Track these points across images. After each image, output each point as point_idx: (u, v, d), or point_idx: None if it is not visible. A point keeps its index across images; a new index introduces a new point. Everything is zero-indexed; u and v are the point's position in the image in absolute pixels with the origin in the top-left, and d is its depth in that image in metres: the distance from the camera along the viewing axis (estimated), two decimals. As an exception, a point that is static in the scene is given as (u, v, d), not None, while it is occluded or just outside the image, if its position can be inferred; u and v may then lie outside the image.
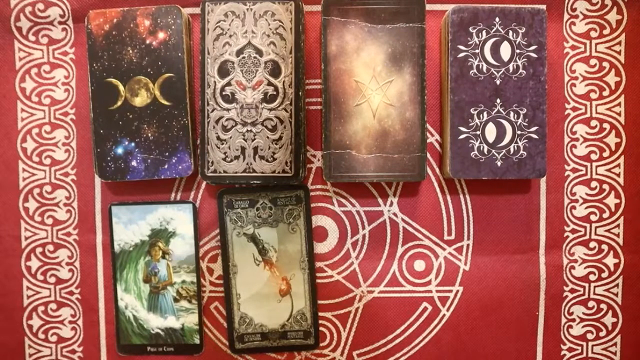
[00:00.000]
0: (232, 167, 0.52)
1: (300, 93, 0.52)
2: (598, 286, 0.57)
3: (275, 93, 0.52)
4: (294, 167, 0.52)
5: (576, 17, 0.56)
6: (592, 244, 0.57)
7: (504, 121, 0.53)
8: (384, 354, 0.57)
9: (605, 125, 0.56)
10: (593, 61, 0.56)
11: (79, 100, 0.56)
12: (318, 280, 0.56)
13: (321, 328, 0.57)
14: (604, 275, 0.57)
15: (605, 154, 0.56)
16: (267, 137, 0.52)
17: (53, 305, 0.57)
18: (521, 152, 0.52)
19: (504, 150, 0.53)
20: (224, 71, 0.52)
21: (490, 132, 0.53)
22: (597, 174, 0.56)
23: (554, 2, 0.55)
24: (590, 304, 0.57)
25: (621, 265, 0.57)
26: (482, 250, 0.57)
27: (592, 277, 0.57)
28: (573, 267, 0.57)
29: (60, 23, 0.55)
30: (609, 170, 0.56)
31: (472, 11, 0.52)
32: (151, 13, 0.53)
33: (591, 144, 0.56)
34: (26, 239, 0.56)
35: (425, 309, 0.57)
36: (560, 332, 0.57)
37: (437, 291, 0.57)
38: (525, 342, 0.57)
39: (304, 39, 0.54)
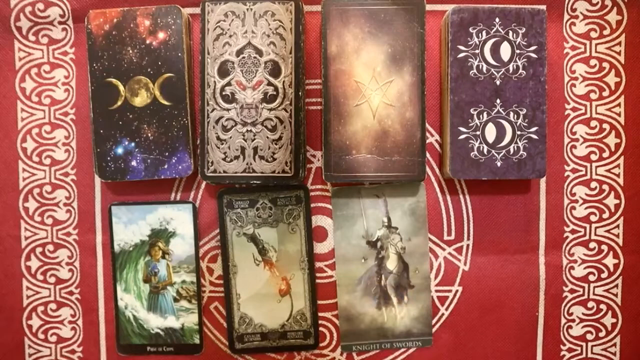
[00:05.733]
0: (232, 167, 0.52)
1: (300, 93, 0.52)
2: (598, 287, 0.57)
3: (275, 93, 0.52)
4: (293, 167, 0.52)
5: (576, 17, 0.56)
6: (591, 245, 0.57)
7: (503, 121, 0.53)
8: (384, 353, 0.57)
9: (605, 125, 0.56)
10: (593, 61, 0.56)
11: (79, 100, 0.56)
12: (318, 280, 0.56)
13: (321, 328, 0.57)
14: (603, 275, 0.57)
15: (605, 155, 0.56)
16: (267, 137, 0.52)
17: (53, 305, 0.57)
18: (521, 152, 0.53)
19: (503, 151, 0.53)
20: (224, 71, 0.52)
21: (490, 132, 0.53)
22: (596, 174, 0.56)
23: (554, 3, 0.55)
24: (590, 304, 0.57)
25: (621, 266, 0.57)
26: (482, 250, 0.57)
27: (591, 278, 0.57)
28: (573, 268, 0.57)
29: (60, 23, 0.55)
30: (608, 170, 0.56)
31: (472, 11, 0.52)
32: (151, 13, 0.53)
33: (591, 144, 0.56)
34: (26, 239, 0.56)
35: (425, 309, 0.57)
36: (559, 333, 0.57)
37: (437, 291, 0.57)
38: (524, 343, 0.57)
39: (304, 39, 0.54)
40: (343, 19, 0.52)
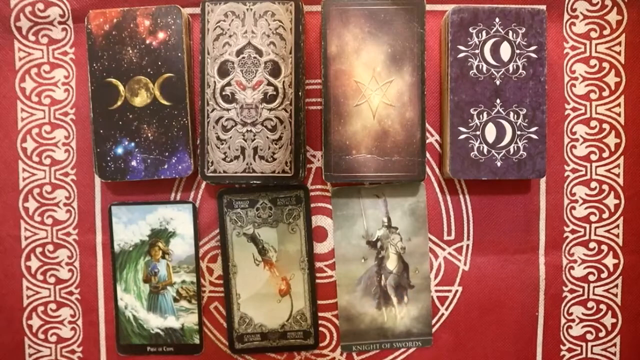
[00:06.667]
0: (232, 167, 0.52)
1: (300, 93, 0.52)
2: (597, 287, 0.57)
3: (275, 93, 0.52)
4: (293, 167, 0.52)
5: (576, 17, 0.56)
6: (591, 245, 0.57)
7: (503, 121, 0.53)
8: (383, 353, 0.57)
9: (605, 125, 0.56)
10: (593, 61, 0.56)
11: (79, 100, 0.56)
12: (318, 280, 0.56)
13: (321, 328, 0.57)
14: (603, 275, 0.57)
15: (605, 155, 0.56)
16: (267, 137, 0.52)
17: (53, 306, 0.57)
18: (521, 152, 0.53)
19: (503, 151, 0.53)
20: (223, 71, 0.52)
21: (490, 132, 0.53)
22: (596, 174, 0.56)
23: (554, 2, 0.55)
24: (590, 304, 0.57)
25: (620, 266, 0.57)
26: (482, 250, 0.57)
27: (591, 278, 0.57)
28: (572, 268, 0.57)
29: (60, 23, 0.55)
30: (608, 170, 0.56)
31: (472, 11, 0.52)
32: (151, 13, 0.53)
33: (591, 144, 0.56)
34: (26, 239, 0.56)
35: (425, 309, 0.57)
36: (559, 333, 0.57)
37: (437, 291, 0.57)
38: (524, 343, 0.57)
39: (304, 39, 0.54)
40: (343, 19, 0.52)
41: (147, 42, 0.53)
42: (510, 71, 0.52)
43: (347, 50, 0.53)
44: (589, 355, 0.57)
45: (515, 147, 0.53)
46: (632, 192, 0.56)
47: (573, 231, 0.57)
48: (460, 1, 0.55)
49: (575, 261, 0.57)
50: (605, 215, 0.56)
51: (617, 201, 0.56)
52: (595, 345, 0.57)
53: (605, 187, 0.56)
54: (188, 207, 0.56)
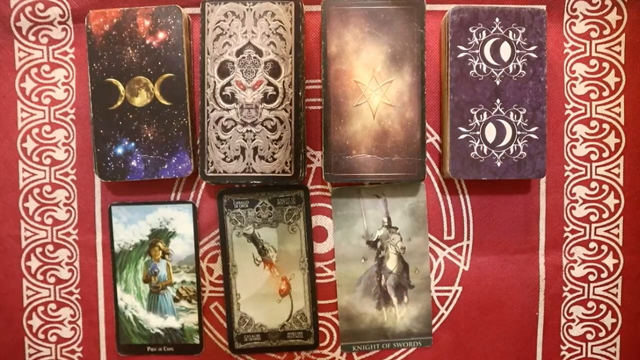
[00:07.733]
0: (232, 167, 0.52)
1: (300, 93, 0.52)
2: (597, 287, 0.57)
3: (275, 93, 0.52)
4: (293, 167, 0.52)
5: (576, 17, 0.56)
6: (591, 245, 0.57)
7: (503, 121, 0.53)
8: (383, 353, 0.57)
9: (605, 125, 0.56)
10: (593, 61, 0.56)
11: (79, 100, 0.56)
12: (318, 280, 0.56)
13: (321, 328, 0.57)
14: (603, 275, 0.57)
15: (605, 155, 0.56)
16: (267, 137, 0.52)
17: (53, 306, 0.57)
18: (521, 152, 0.53)
19: (503, 151, 0.53)
20: (223, 71, 0.52)
21: (490, 132, 0.53)
22: (596, 174, 0.56)
23: (554, 3, 0.55)
24: (590, 304, 0.57)
25: (620, 266, 0.57)
26: (482, 250, 0.57)
27: (591, 278, 0.57)
28: (572, 268, 0.57)
29: (60, 23, 0.55)
30: (608, 170, 0.56)
31: (472, 11, 0.52)
32: (151, 13, 0.53)
33: (591, 144, 0.56)
34: (26, 239, 0.56)
35: (425, 309, 0.57)
36: (559, 333, 0.57)
37: (437, 291, 0.57)
38: (524, 343, 0.57)
39: (304, 39, 0.54)
40: (343, 19, 0.52)
41: (147, 42, 0.53)
42: (510, 71, 0.52)
43: (347, 50, 0.53)
44: (589, 355, 0.57)
45: (515, 147, 0.53)
46: (632, 192, 0.56)
47: (573, 231, 0.57)
48: (460, 1, 0.55)
49: (575, 261, 0.57)
50: (605, 215, 0.56)
51: (617, 201, 0.56)
52: (595, 345, 0.57)
53: (605, 187, 0.56)
54: (188, 207, 0.56)
